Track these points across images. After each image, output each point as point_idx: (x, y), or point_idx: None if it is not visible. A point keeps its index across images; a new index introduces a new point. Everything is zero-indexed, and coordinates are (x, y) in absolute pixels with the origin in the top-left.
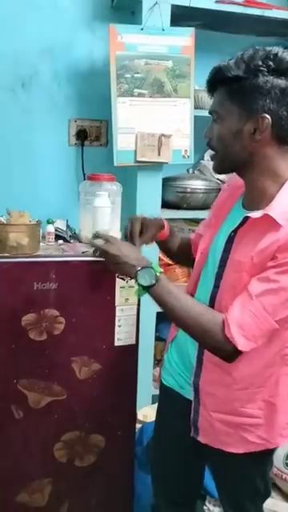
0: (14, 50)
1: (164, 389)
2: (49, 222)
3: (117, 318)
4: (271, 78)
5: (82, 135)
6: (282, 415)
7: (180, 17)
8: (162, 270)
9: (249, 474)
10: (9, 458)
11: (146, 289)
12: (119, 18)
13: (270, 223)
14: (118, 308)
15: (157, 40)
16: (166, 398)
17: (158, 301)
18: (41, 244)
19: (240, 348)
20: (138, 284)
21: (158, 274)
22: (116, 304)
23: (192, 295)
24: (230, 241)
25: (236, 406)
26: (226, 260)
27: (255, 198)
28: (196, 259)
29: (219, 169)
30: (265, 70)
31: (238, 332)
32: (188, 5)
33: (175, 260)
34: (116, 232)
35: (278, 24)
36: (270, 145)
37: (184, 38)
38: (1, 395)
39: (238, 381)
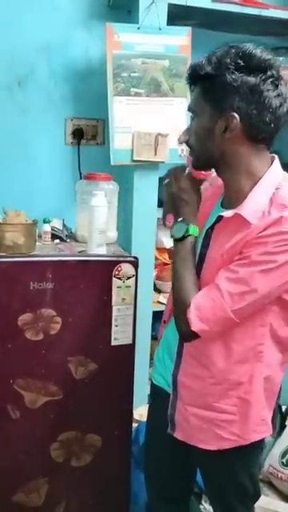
0: (10, 48)
1: (154, 388)
2: (45, 222)
3: (113, 318)
4: (240, 75)
5: (78, 134)
6: (256, 411)
7: (177, 16)
8: (196, 234)
9: (230, 471)
10: (5, 458)
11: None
12: (116, 16)
13: (242, 222)
14: (114, 308)
15: (153, 39)
16: (156, 397)
17: (173, 254)
18: (37, 243)
19: (192, 328)
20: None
21: (186, 235)
22: (112, 304)
23: None
24: (207, 238)
25: (210, 401)
26: (204, 256)
27: (232, 196)
28: None
29: (195, 165)
30: (233, 67)
31: (194, 313)
32: (185, 4)
33: None
34: (113, 232)
35: (274, 23)
36: (243, 143)
37: (181, 38)
38: None
39: (212, 375)
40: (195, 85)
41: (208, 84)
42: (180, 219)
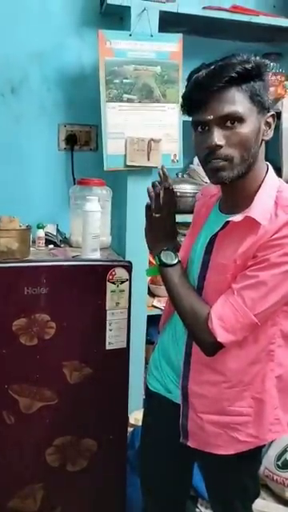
0: (3, 54)
1: (150, 394)
2: (39, 227)
3: (108, 322)
4: (267, 78)
5: (71, 140)
6: (270, 411)
7: (168, 23)
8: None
9: (238, 474)
10: (0, 464)
11: (163, 267)
12: (108, 23)
13: (251, 225)
14: (108, 312)
15: (145, 46)
16: (152, 402)
17: (165, 281)
18: (31, 249)
19: (219, 339)
20: (160, 261)
21: (177, 261)
22: (107, 308)
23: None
24: (211, 243)
25: (225, 405)
26: (207, 262)
27: (234, 201)
28: None
29: (232, 176)
30: (266, 69)
31: (218, 324)
32: (176, 11)
33: None
34: (106, 237)
35: (264, 30)
36: (263, 145)
37: (172, 44)
38: None
39: (227, 379)
40: (231, 85)
41: (251, 83)
42: (165, 248)
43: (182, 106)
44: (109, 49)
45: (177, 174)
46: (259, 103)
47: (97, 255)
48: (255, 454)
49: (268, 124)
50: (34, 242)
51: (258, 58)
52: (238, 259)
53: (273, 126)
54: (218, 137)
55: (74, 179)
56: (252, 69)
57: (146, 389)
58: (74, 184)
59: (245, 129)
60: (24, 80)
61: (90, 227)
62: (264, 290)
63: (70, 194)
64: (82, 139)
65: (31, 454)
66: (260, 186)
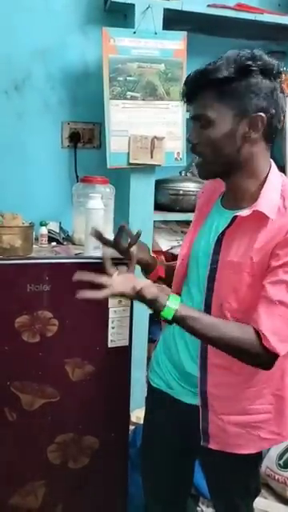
0: (6, 52)
1: (152, 390)
2: (42, 224)
3: (110, 320)
4: (260, 78)
5: (74, 138)
6: None
7: (172, 21)
8: (178, 298)
9: (242, 473)
10: (2, 461)
11: (174, 320)
12: (112, 21)
13: (259, 219)
14: (111, 310)
15: (149, 43)
16: (155, 399)
17: (185, 327)
18: (34, 246)
19: (282, 353)
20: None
21: (176, 308)
22: (109, 306)
23: None
24: (219, 242)
25: (246, 405)
26: (216, 262)
27: (237, 197)
28: (176, 267)
29: (206, 174)
30: (256, 70)
31: (276, 340)
32: (180, 9)
33: None
34: (109, 234)
35: (269, 28)
36: (259, 144)
37: (176, 42)
38: None
39: (246, 379)
40: (204, 90)
41: (227, 87)
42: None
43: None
44: (113, 46)
45: (180, 173)
46: (236, 106)
47: (99, 253)
48: (257, 452)
49: (253, 125)
50: (36, 239)
51: (241, 59)
52: (255, 256)
53: (260, 126)
54: (193, 134)
55: (77, 177)
56: (225, 76)
57: (149, 386)
58: (77, 182)
59: (213, 131)
60: (28, 78)
61: (93, 225)
62: None
63: (72, 191)
64: (85, 137)
65: (33, 451)
66: (264, 181)
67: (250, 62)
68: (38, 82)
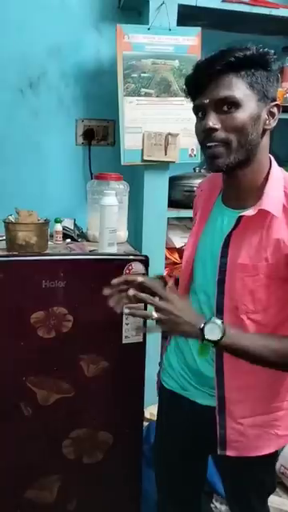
0: (21, 50)
1: (164, 391)
2: (57, 221)
3: (124, 316)
4: (276, 70)
5: (89, 135)
6: None
7: (187, 16)
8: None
9: (259, 472)
10: (18, 455)
11: (215, 343)
12: (126, 18)
13: (266, 218)
14: (125, 306)
15: (163, 40)
16: (167, 400)
17: (232, 350)
18: (49, 243)
19: None
20: (206, 340)
21: (221, 324)
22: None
23: None
24: (226, 244)
25: (264, 405)
26: (225, 265)
27: (240, 194)
28: (181, 269)
29: (227, 162)
30: (273, 59)
31: None
32: (195, 4)
33: None
34: (123, 231)
35: (284, 23)
36: (267, 135)
37: (190, 38)
38: (10, 392)
39: (262, 379)
40: (226, 72)
41: (252, 71)
42: (201, 326)
43: (185, 92)
44: (127, 43)
45: (194, 169)
46: (260, 91)
47: (114, 249)
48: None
49: (271, 114)
50: (51, 236)
51: (264, 49)
52: (270, 258)
53: (277, 116)
54: (212, 120)
55: (92, 174)
56: (252, 56)
57: (160, 386)
58: (92, 179)
59: (241, 114)
60: (42, 75)
61: (107, 221)
62: None
63: (87, 188)
64: (99, 134)
65: (48, 446)
66: (267, 178)
67: (271, 52)
68: (53, 79)
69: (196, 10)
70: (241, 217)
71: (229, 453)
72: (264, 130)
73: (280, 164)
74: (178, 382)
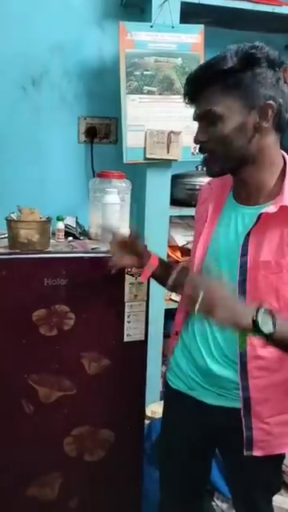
0: (24, 48)
1: (171, 391)
2: (59, 219)
3: (126, 314)
4: (265, 67)
5: (91, 132)
6: None
7: (189, 14)
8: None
9: (267, 472)
10: (19, 452)
11: (268, 335)
12: (129, 15)
13: (285, 215)
14: (127, 304)
15: (166, 37)
16: (174, 399)
17: (282, 341)
18: (51, 241)
19: None
20: (257, 332)
21: (272, 312)
22: (125, 300)
23: (188, 312)
24: (246, 242)
25: None
26: (245, 263)
27: (253, 191)
28: (194, 268)
29: (218, 171)
30: (260, 58)
31: None
32: (197, 2)
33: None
34: (125, 229)
35: (287, 20)
36: (270, 134)
37: (193, 35)
38: (12, 389)
39: (286, 376)
40: (209, 86)
41: (233, 79)
42: (255, 313)
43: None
44: (129, 40)
45: (196, 167)
46: (244, 97)
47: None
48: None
49: (263, 115)
50: (53, 234)
51: (246, 50)
52: None
53: (271, 115)
54: (200, 133)
55: (94, 172)
56: (230, 67)
57: (168, 386)
58: (94, 176)
59: (223, 126)
60: (45, 73)
61: (109, 219)
62: None
63: (89, 186)
64: (101, 132)
65: (49, 443)
66: (282, 174)
67: (253, 51)
68: (55, 77)
69: (199, 8)
70: (260, 214)
71: (255, 453)
72: (257, 132)
73: None
74: (185, 383)
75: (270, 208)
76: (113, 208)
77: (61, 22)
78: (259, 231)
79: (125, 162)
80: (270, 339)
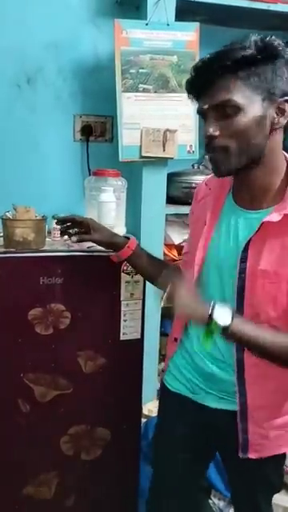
0: (19, 45)
1: (168, 393)
2: (54, 218)
3: (122, 313)
4: (284, 61)
5: (86, 131)
6: None
7: (185, 11)
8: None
9: (268, 472)
10: (16, 451)
11: (224, 329)
12: (124, 13)
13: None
14: (123, 303)
15: (161, 35)
16: (171, 402)
17: (241, 337)
18: (46, 239)
19: None
20: (214, 325)
21: (231, 309)
22: (121, 299)
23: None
24: (245, 249)
25: (286, 406)
26: (244, 270)
27: (256, 195)
28: (194, 273)
29: (230, 168)
30: (281, 50)
31: None
32: None
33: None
34: (121, 227)
35: (283, 18)
36: (280, 133)
37: (189, 33)
38: (8, 388)
39: (283, 382)
40: (226, 74)
41: (254, 69)
42: (211, 308)
43: (188, 93)
44: (125, 38)
45: (192, 165)
46: (264, 90)
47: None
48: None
49: (281, 111)
50: (49, 232)
51: (268, 40)
52: None
53: (285, 113)
54: (212, 127)
55: (90, 170)
56: (252, 55)
57: (163, 388)
58: (90, 175)
59: (242, 118)
60: (40, 71)
61: (105, 218)
62: None
63: (85, 184)
64: (97, 130)
65: (46, 442)
66: (287, 179)
67: (276, 43)
68: (50, 75)
69: (194, 5)
70: (262, 222)
71: (251, 455)
72: (273, 129)
73: None
74: (187, 387)
75: (273, 216)
76: (108, 206)
77: (56, 20)
78: (260, 239)
79: (120, 160)
80: (230, 334)
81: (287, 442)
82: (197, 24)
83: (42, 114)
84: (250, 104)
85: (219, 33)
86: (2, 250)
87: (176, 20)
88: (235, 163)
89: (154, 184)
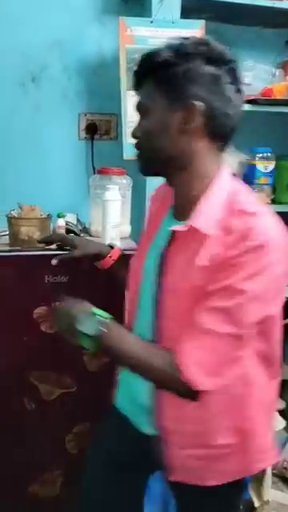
0: (23, 44)
1: (114, 408)
2: (59, 216)
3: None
4: (202, 64)
5: (91, 129)
6: (256, 438)
7: (190, 9)
8: (110, 315)
9: (215, 506)
10: (21, 449)
11: (93, 340)
12: (129, 10)
13: (198, 236)
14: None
15: (166, 33)
16: (116, 416)
17: (110, 353)
18: None
19: (207, 388)
20: (82, 338)
21: (107, 321)
22: (126, 296)
23: (130, 328)
24: (163, 261)
25: (205, 439)
26: (162, 283)
27: (184, 205)
28: (129, 283)
29: (143, 170)
30: (196, 55)
31: (198, 373)
32: None
33: None
34: (126, 226)
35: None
36: (201, 139)
37: (194, 31)
38: (13, 387)
39: (201, 412)
40: (146, 77)
41: (164, 73)
42: (78, 317)
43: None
44: (129, 36)
45: None
46: (171, 93)
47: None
48: (237, 481)
49: (187, 116)
50: (54, 231)
51: (184, 43)
52: (198, 279)
53: (196, 117)
54: (136, 127)
55: (94, 168)
56: (166, 58)
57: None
58: (94, 173)
59: (147, 121)
60: (44, 69)
61: (110, 216)
62: (236, 317)
63: (89, 183)
64: (102, 128)
65: (51, 441)
66: (207, 187)
67: (191, 47)
68: (55, 73)
69: (199, 3)
70: (174, 231)
71: (174, 478)
72: (183, 134)
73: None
74: (123, 404)
75: (179, 226)
76: (113, 205)
77: (60, 18)
78: (176, 250)
79: (125, 158)
80: (103, 347)
81: (212, 474)
82: (202, 21)
83: (46, 113)
84: (155, 108)
85: (224, 30)
86: (8, 248)
87: (181, 17)
88: (149, 164)
89: (159, 182)
